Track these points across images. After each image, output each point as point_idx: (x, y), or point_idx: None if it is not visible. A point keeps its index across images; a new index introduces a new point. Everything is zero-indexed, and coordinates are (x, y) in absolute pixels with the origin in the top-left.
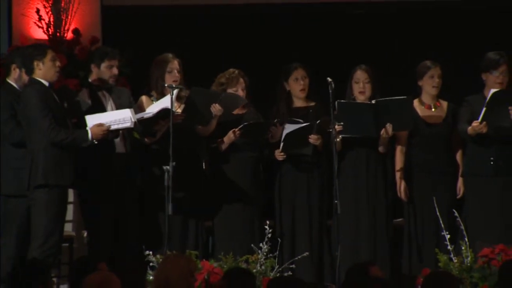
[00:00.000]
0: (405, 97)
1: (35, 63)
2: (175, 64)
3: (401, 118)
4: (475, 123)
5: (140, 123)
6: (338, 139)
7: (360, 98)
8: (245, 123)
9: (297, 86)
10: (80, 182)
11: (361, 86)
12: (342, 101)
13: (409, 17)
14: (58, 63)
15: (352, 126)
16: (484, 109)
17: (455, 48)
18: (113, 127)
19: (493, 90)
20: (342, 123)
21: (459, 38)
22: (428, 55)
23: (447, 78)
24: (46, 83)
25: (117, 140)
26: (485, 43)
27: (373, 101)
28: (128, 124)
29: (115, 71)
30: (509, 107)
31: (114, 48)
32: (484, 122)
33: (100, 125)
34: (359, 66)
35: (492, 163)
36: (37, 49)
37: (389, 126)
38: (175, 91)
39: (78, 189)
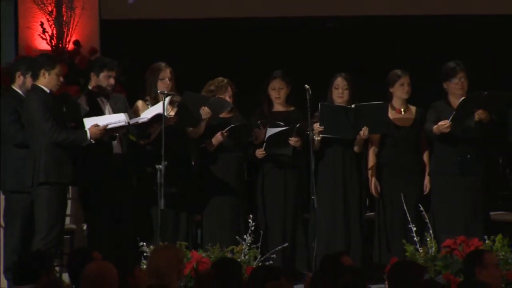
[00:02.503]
0: (381, 102)
1: (42, 71)
2: (167, 72)
3: (376, 121)
4: (441, 122)
5: (135, 127)
6: (318, 139)
7: (338, 101)
8: (232, 125)
9: (273, 94)
10: (81, 180)
11: (340, 92)
12: (324, 103)
13: (377, 30)
14: (61, 79)
15: (332, 127)
16: (454, 112)
17: (421, 59)
18: (109, 127)
19: (463, 98)
20: (322, 124)
21: (423, 49)
22: (397, 65)
23: (415, 85)
24: (47, 90)
25: (114, 142)
26: (445, 54)
27: (353, 106)
28: (122, 124)
29: (112, 81)
30: (474, 109)
31: (113, 60)
32: (449, 123)
33: (97, 125)
34: (340, 74)
35: (458, 164)
36: (49, 60)
37: (365, 129)
38: (167, 97)
39: (78, 186)
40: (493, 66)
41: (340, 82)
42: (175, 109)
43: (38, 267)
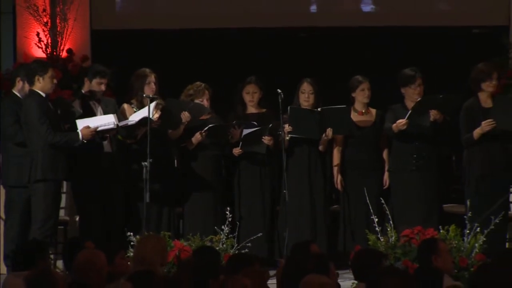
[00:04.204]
0: (344, 106)
1: (37, 77)
2: (152, 77)
3: (340, 123)
4: (399, 120)
5: (124, 128)
6: (287, 138)
7: (304, 105)
8: (210, 125)
9: (247, 97)
10: (74, 176)
11: (306, 96)
12: (293, 106)
13: (341, 40)
14: (55, 80)
15: (300, 128)
16: (410, 111)
17: (378, 67)
18: (99, 129)
19: (419, 98)
20: (291, 125)
21: (380, 58)
22: (357, 72)
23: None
24: (43, 94)
25: (105, 142)
26: (401, 62)
27: (319, 109)
28: (111, 126)
29: (103, 87)
30: (430, 110)
31: (106, 69)
32: (406, 121)
33: (89, 127)
34: (305, 79)
35: (414, 161)
36: (41, 66)
37: (329, 130)
38: (153, 101)
39: (72, 182)
40: (444, 73)
41: (306, 86)
42: (159, 112)
43: (35, 255)
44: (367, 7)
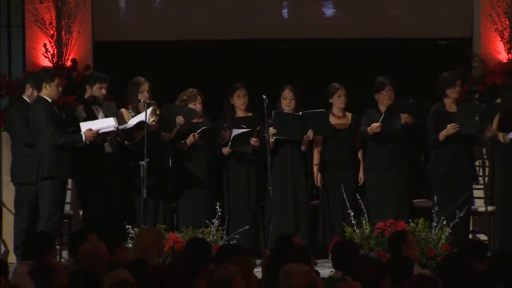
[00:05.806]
0: (323, 110)
1: (44, 84)
2: (146, 86)
3: (320, 126)
4: (373, 124)
5: (123, 131)
6: (272, 140)
7: (286, 109)
8: (203, 128)
9: (239, 101)
10: (78, 174)
11: (287, 101)
12: (277, 111)
13: (319, 51)
14: (60, 88)
15: (283, 130)
16: (383, 114)
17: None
18: (101, 131)
19: (391, 102)
20: (276, 128)
21: (356, 66)
22: (333, 79)
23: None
24: (50, 100)
25: (106, 143)
26: (374, 71)
27: (300, 113)
28: (112, 129)
29: (103, 92)
30: (401, 114)
31: (104, 75)
32: (380, 124)
33: (91, 130)
34: (287, 86)
35: (388, 163)
36: (48, 74)
37: (310, 132)
38: (150, 107)
39: (76, 179)
40: (412, 81)
41: (287, 93)
42: (155, 117)
43: (41, 246)
44: (338, 19)
